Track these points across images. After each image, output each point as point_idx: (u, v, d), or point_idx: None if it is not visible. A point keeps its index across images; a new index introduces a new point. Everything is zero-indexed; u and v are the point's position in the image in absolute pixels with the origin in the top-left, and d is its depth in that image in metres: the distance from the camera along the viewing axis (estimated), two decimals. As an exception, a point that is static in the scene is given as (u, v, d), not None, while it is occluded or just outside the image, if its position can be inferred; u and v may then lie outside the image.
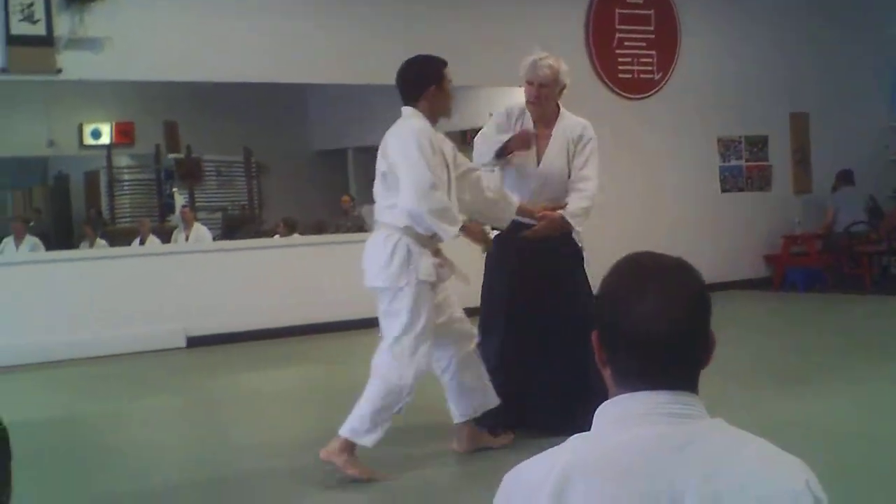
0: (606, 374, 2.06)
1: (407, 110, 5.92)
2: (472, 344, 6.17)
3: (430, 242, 5.83)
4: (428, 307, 5.78)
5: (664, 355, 1.96)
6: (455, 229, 5.68)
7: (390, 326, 5.80)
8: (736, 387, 7.26)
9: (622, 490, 1.86)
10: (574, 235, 6.64)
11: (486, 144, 6.65)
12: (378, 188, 5.85)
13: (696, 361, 2.00)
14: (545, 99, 6.56)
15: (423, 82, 5.93)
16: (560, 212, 6.49)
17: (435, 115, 5.95)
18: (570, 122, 6.68)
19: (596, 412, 2.04)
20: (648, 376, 1.97)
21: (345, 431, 5.77)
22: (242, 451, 6.89)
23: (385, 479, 5.82)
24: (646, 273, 2.03)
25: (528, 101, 6.60)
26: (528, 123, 6.65)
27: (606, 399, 2.05)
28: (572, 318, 6.32)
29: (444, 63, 6.06)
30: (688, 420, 1.94)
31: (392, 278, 5.70)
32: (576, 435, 2.04)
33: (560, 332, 6.44)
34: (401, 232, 5.70)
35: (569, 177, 6.61)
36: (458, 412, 6.22)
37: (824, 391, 7.91)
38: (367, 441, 5.76)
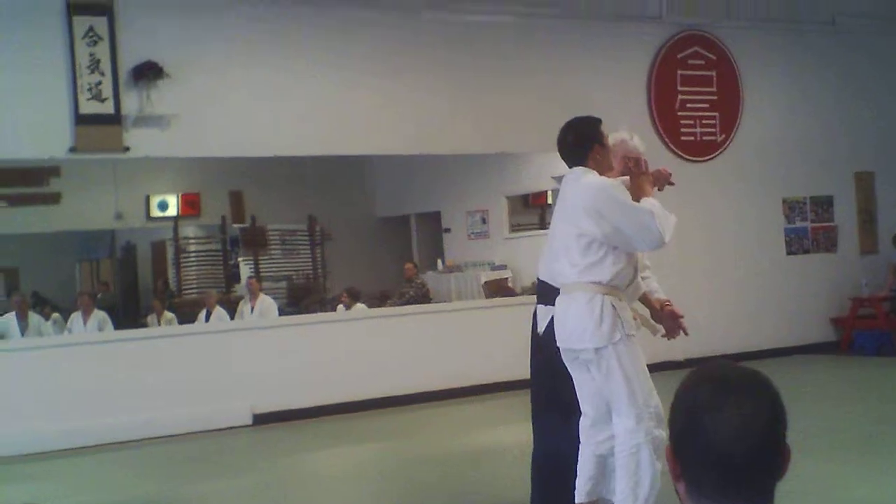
0: (680, 487, 2.05)
1: (578, 169, 5.98)
2: None
3: (626, 298, 5.90)
4: (642, 357, 5.82)
5: (739, 473, 1.96)
6: (673, 219, 5.82)
7: (616, 391, 5.77)
8: (804, 463, 6.99)
9: None
10: None
11: None
12: (571, 250, 5.84)
13: (771, 475, 1.99)
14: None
15: (588, 142, 6.01)
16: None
17: (601, 172, 5.99)
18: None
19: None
20: (723, 493, 1.96)
21: None
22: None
23: None
24: (723, 389, 2.01)
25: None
26: None
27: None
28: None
29: (600, 121, 6.13)
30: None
31: (606, 337, 5.69)
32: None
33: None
34: (603, 290, 5.74)
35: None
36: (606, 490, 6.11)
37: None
38: None
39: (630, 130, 6.60)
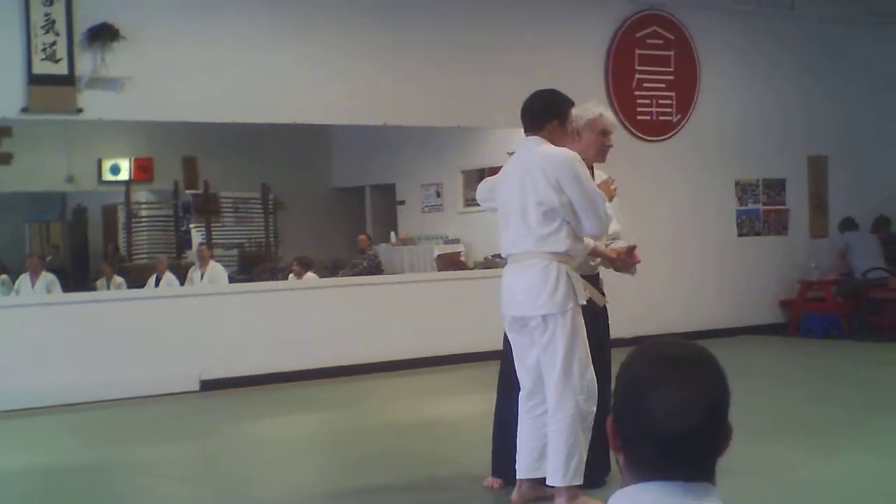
0: (620, 458, 2.05)
1: (534, 138, 6.06)
2: None
3: (577, 269, 6.03)
4: (584, 331, 5.92)
5: (680, 449, 1.95)
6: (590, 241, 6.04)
7: (552, 359, 5.86)
8: (749, 444, 6.96)
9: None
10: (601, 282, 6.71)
11: None
12: (529, 218, 5.91)
13: (712, 452, 1.99)
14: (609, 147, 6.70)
15: (550, 113, 6.10)
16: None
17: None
18: (603, 176, 6.73)
19: (609, 502, 2.04)
20: (663, 468, 1.96)
21: (557, 481, 5.85)
22: (254, 500, 6.87)
23: None
24: (668, 366, 2.00)
25: (602, 153, 6.60)
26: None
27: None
28: (600, 368, 6.36)
29: (572, 103, 6.21)
30: (698, 510, 1.94)
31: (559, 304, 5.79)
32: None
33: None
34: (559, 259, 5.84)
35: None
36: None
37: (840, 446, 7.86)
38: (579, 479, 5.88)
39: (588, 104, 6.65)
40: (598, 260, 6.57)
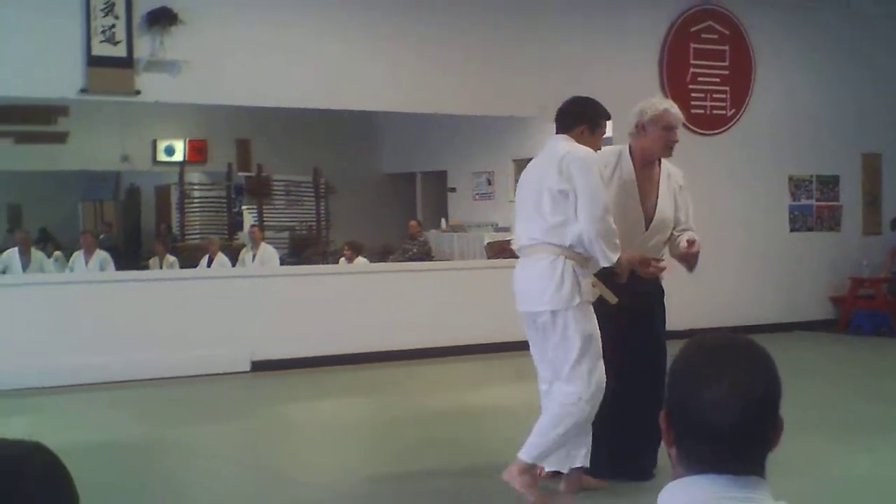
0: (672, 452, 2.08)
1: (563, 136, 6.12)
2: None
3: (588, 265, 6.00)
4: (596, 326, 5.93)
5: (732, 443, 1.98)
6: (615, 257, 5.86)
7: (564, 355, 5.91)
8: (798, 441, 6.73)
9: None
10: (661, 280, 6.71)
11: None
12: (544, 207, 5.92)
13: (763, 446, 2.02)
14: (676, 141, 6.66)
15: (581, 118, 6.15)
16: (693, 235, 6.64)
17: None
18: (672, 170, 6.76)
19: (661, 495, 2.07)
20: (715, 462, 1.99)
21: (524, 454, 5.95)
22: (299, 484, 6.94)
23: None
24: (720, 359, 2.03)
25: (666, 147, 6.57)
26: (627, 166, 6.62)
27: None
28: (657, 359, 6.42)
29: (608, 115, 6.26)
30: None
31: (565, 300, 5.82)
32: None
33: (644, 376, 6.46)
34: (565, 253, 5.86)
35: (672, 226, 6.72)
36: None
37: (885, 444, 7.82)
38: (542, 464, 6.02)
39: (654, 98, 6.71)
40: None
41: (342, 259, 15.12)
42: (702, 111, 14.80)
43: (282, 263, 15.61)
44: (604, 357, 6.48)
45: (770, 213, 15.43)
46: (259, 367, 11.84)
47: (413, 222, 17.60)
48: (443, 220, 19.02)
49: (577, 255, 5.89)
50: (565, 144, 6.01)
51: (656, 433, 5.93)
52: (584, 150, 5.96)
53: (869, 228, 16.31)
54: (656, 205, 6.61)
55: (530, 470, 5.98)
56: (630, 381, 6.44)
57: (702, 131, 14.76)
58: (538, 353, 6.15)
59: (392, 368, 12.01)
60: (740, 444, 1.98)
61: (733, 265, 14.75)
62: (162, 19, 11.33)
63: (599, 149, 6.23)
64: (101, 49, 11.20)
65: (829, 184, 15.97)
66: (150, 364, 11.34)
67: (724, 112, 15.00)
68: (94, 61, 11.20)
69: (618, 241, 5.89)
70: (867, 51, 15.90)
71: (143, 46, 11.42)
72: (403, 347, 12.47)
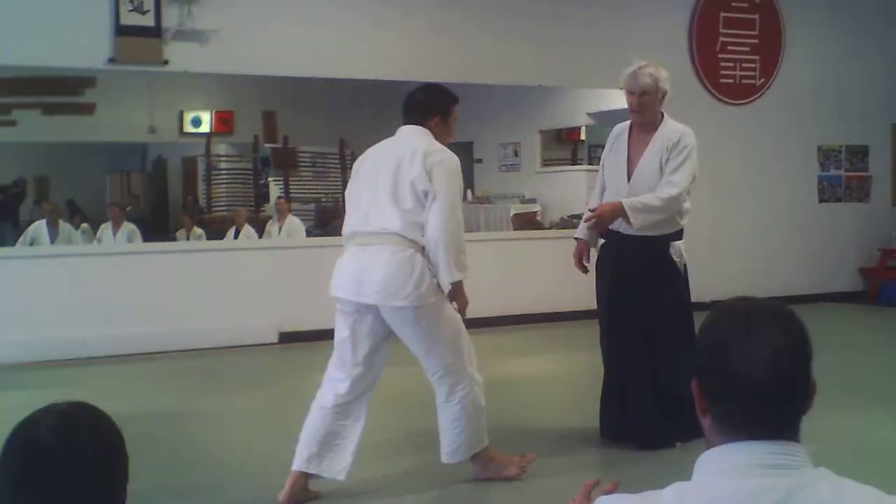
0: (706, 422, 2.06)
1: (419, 128, 5.83)
2: None
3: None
4: (452, 310, 5.77)
5: (766, 406, 1.96)
6: (459, 275, 5.58)
7: (435, 352, 5.75)
8: (827, 410, 6.69)
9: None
10: (671, 251, 6.65)
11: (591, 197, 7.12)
12: (405, 201, 5.58)
13: (797, 409, 2.01)
14: (646, 107, 6.60)
15: (433, 109, 5.91)
16: (621, 200, 6.51)
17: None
18: (670, 128, 6.70)
19: (697, 461, 2.05)
20: (749, 426, 1.97)
21: (459, 457, 5.90)
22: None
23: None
24: (748, 322, 2.02)
25: (629, 111, 6.64)
26: (625, 134, 6.76)
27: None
28: (663, 330, 6.46)
29: (456, 99, 6.03)
30: (789, 471, 1.94)
31: (427, 296, 5.55)
32: (675, 484, 2.04)
33: (653, 344, 6.54)
34: (420, 249, 5.58)
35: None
36: None
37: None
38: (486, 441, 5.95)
39: (644, 61, 6.65)
40: (653, 220, 6.54)
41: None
42: (731, 80, 14.71)
43: (308, 235, 15.60)
44: (600, 325, 6.56)
45: (799, 184, 15.34)
46: (287, 338, 11.87)
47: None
48: (468, 192, 18.96)
49: (425, 252, 5.62)
50: (428, 140, 5.72)
51: (661, 401, 6.09)
52: (450, 156, 5.68)
53: (899, 199, 16.21)
54: (636, 165, 6.65)
55: (480, 456, 5.94)
56: (625, 349, 6.58)
57: (731, 101, 14.68)
58: (361, 349, 5.85)
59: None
60: (774, 404, 1.97)
61: (762, 235, 14.70)
62: (190, -12, 11.34)
63: (452, 135, 6.03)
64: (129, 18, 11.18)
65: (858, 154, 15.86)
66: (177, 336, 11.36)
67: (753, 82, 14.90)
68: (122, 31, 11.19)
69: (465, 261, 5.63)
70: (898, 18, 15.77)
71: (172, 16, 11.40)
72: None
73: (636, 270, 6.59)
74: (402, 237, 5.54)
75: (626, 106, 6.75)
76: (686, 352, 6.15)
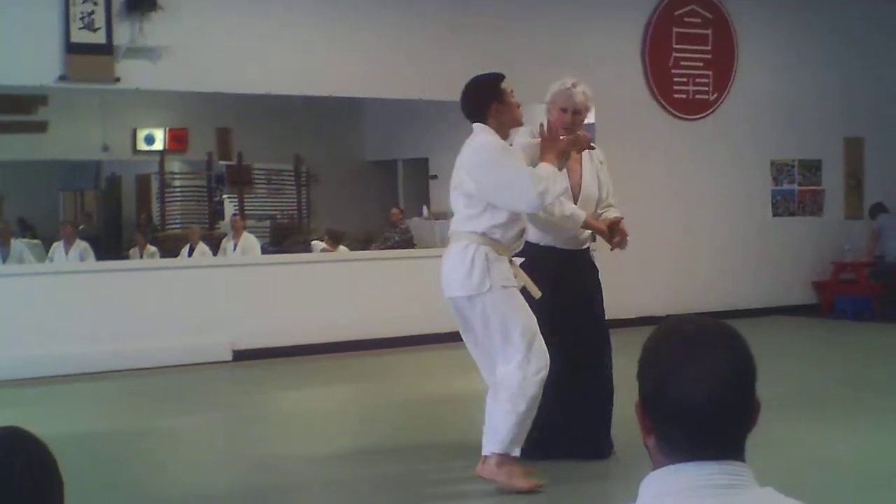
0: (650, 442, 2.05)
1: (477, 126, 6.09)
2: None
3: (506, 251, 5.97)
4: (522, 305, 5.89)
5: (711, 428, 1.95)
6: (580, 215, 6.16)
7: (490, 339, 5.92)
8: (778, 423, 6.78)
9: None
10: (593, 255, 6.92)
11: None
12: (457, 199, 6.02)
13: (742, 430, 2.00)
14: (577, 126, 6.61)
15: (485, 101, 6.07)
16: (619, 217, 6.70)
17: (504, 128, 6.10)
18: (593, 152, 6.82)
19: (642, 483, 2.04)
20: (694, 447, 1.96)
21: (494, 448, 5.92)
22: (280, 471, 6.91)
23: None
24: (691, 342, 2.01)
25: (563, 128, 6.50)
26: None
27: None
28: (595, 340, 6.59)
29: (500, 77, 6.19)
30: (734, 491, 1.93)
31: (475, 286, 5.80)
32: (623, 504, 2.03)
33: (586, 355, 6.57)
34: (478, 240, 5.84)
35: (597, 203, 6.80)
36: None
37: (864, 426, 7.83)
38: (516, 451, 5.94)
39: (575, 79, 6.63)
40: (587, 233, 6.71)
41: (315, 242, 15.15)
42: (684, 96, 14.79)
43: (263, 252, 15.54)
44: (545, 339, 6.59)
45: (752, 198, 15.44)
46: (240, 356, 11.81)
47: (395, 210, 17.54)
48: (424, 208, 18.95)
49: (492, 242, 5.88)
50: (476, 137, 6.05)
51: (606, 412, 6.19)
52: (482, 141, 5.96)
53: (851, 212, 16.36)
54: (581, 182, 6.68)
55: (508, 460, 5.94)
56: (574, 362, 6.50)
57: (684, 116, 14.76)
58: (469, 340, 6.15)
59: (373, 357, 11.98)
60: (718, 425, 1.95)
61: (715, 250, 14.77)
62: (141, 5, 11.28)
63: (519, 105, 6.17)
64: (80, 36, 11.13)
65: (811, 168, 15.99)
66: (130, 354, 11.28)
67: (706, 97, 14.99)
68: (73, 48, 11.13)
69: (568, 208, 6.17)
70: (853, 33, 15.92)
71: (123, 33, 11.37)
72: (385, 336, 12.44)
73: (576, 280, 6.67)
74: (461, 232, 5.96)
75: (588, 121, 6.76)
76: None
